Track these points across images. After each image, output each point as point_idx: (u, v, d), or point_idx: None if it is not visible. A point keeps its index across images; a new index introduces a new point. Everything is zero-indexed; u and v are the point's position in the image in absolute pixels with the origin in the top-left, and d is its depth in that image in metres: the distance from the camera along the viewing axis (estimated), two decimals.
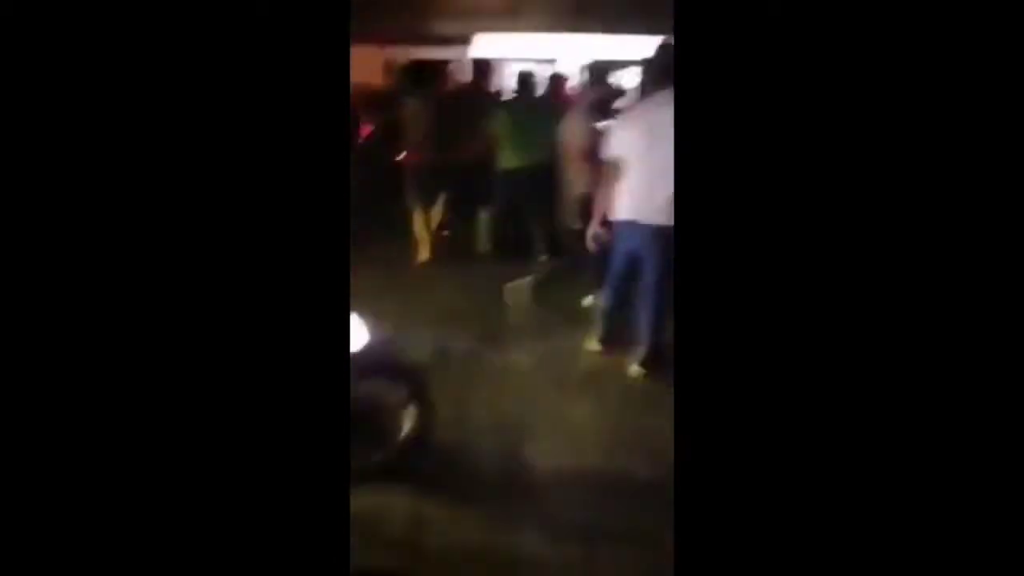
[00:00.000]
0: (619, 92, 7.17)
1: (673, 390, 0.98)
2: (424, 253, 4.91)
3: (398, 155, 4.95)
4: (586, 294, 3.79)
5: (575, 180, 3.79)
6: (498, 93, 5.82)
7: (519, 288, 3.99)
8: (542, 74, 5.04)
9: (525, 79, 4.82)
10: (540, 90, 4.89)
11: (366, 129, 6.66)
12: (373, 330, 2.20)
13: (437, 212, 5.05)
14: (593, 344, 3.18)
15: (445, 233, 5.13)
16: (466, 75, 5.10)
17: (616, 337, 3.11)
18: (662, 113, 2.42)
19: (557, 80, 5.19)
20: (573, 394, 2.92)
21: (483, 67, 5.31)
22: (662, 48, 2.84)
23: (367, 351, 2.16)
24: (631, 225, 2.67)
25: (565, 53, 12.45)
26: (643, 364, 2.94)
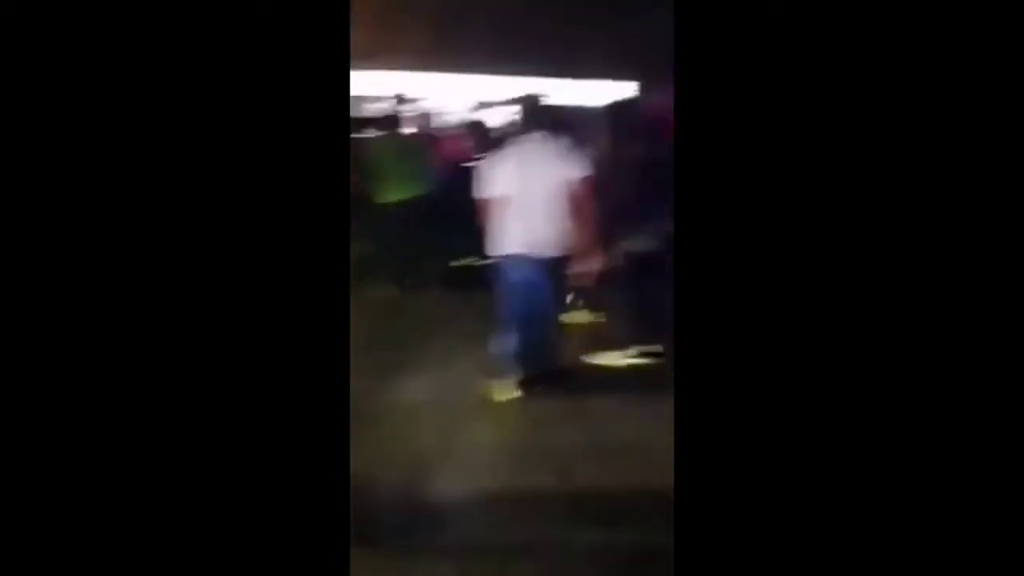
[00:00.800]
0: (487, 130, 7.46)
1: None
2: None
3: None
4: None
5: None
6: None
7: None
8: (409, 112, 5.25)
9: (390, 118, 5.07)
10: (408, 127, 5.10)
11: None
12: None
13: None
14: (506, 391, 2.99)
15: None
16: None
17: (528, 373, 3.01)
18: (533, 152, 2.66)
19: (424, 118, 5.42)
20: (467, 420, 2.92)
21: None
22: (529, 96, 2.97)
23: None
24: (520, 259, 2.75)
25: (432, 92, 12.84)
26: (525, 386, 3.00)
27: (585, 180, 2.60)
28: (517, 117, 3.55)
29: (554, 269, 2.71)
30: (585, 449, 2.56)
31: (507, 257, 2.78)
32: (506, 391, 3.02)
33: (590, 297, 3.57)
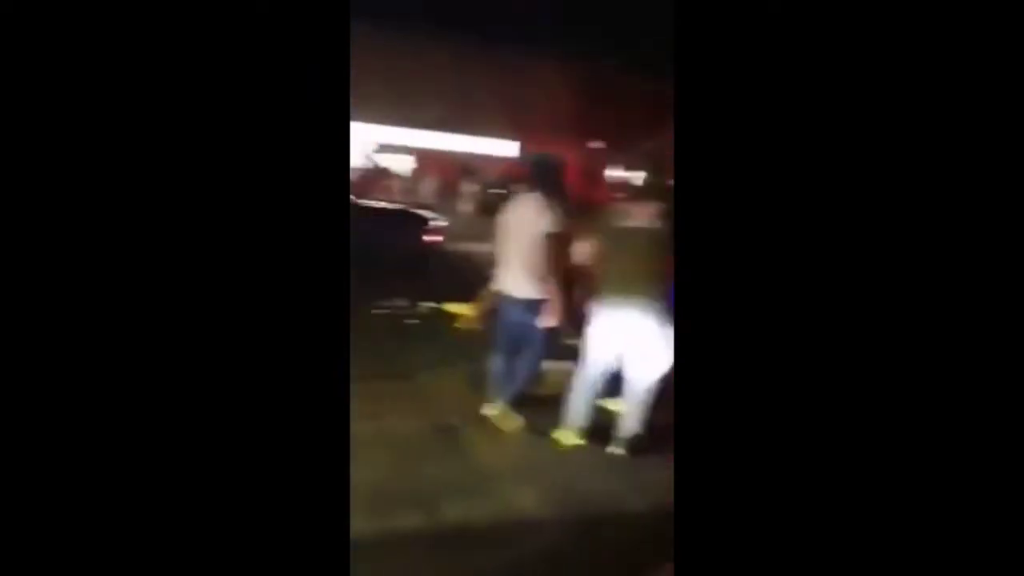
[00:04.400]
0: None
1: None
2: None
3: None
4: None
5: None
6: None
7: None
8: None
9: None
10: None
11: None
12: None
13: None
14: (490, 409, 3.21)
15: None
16: None
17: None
18: (521, 210, 3.01)
19: None
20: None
21: None
22: (537, 161, 3.29)
23: None
24: (509, 299, 3.09)
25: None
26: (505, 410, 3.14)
27: (553, 234, 2.91)
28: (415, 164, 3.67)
29: (536, 309, 3.00)
30: None
31: (499, 296, 3.13)
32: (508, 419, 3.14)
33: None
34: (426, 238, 6.59)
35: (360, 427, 2.87)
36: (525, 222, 2.98)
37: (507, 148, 16.20)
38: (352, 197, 7.25)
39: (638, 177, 3.04)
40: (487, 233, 3.67)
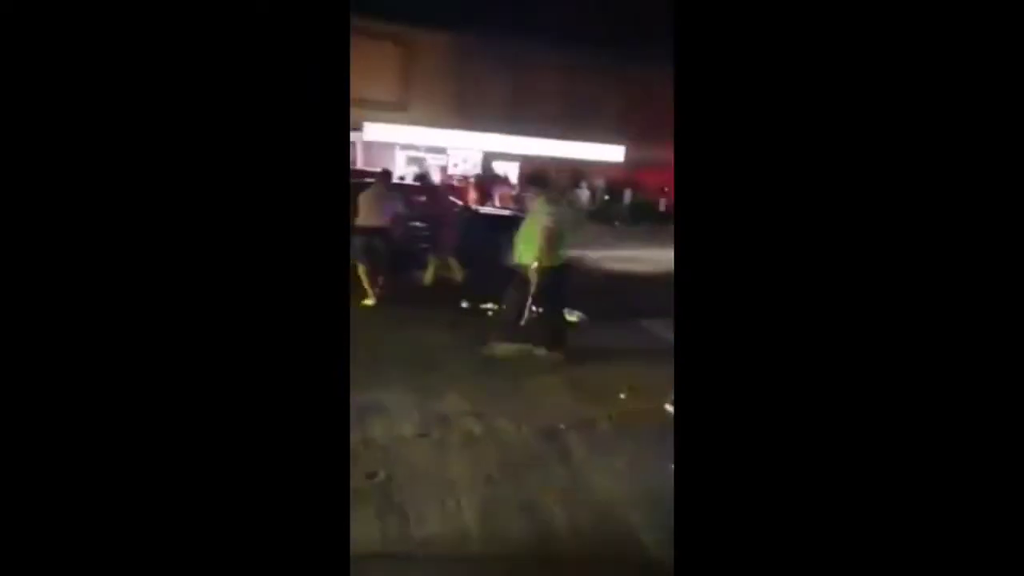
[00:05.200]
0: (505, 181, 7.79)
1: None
2: None
3: None
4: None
5: None
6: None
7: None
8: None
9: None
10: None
11: None
12: None
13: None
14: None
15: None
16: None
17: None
18: None
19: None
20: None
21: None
22: None
23: None
24: None
25: (453, 144, 13.65)
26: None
27: None
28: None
29: None
30: None
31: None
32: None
33: None
34: None
35: (467, 425, 3.06)
36: None
37: (612, 153, 16.16)
38: (469, 204, 7.54)
39: None
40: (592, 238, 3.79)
